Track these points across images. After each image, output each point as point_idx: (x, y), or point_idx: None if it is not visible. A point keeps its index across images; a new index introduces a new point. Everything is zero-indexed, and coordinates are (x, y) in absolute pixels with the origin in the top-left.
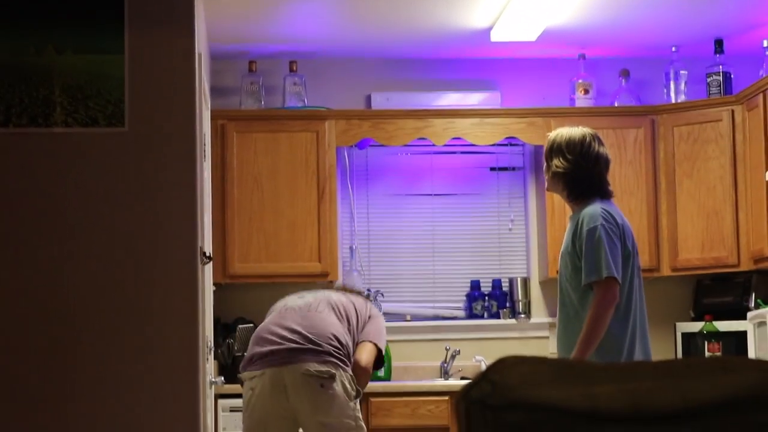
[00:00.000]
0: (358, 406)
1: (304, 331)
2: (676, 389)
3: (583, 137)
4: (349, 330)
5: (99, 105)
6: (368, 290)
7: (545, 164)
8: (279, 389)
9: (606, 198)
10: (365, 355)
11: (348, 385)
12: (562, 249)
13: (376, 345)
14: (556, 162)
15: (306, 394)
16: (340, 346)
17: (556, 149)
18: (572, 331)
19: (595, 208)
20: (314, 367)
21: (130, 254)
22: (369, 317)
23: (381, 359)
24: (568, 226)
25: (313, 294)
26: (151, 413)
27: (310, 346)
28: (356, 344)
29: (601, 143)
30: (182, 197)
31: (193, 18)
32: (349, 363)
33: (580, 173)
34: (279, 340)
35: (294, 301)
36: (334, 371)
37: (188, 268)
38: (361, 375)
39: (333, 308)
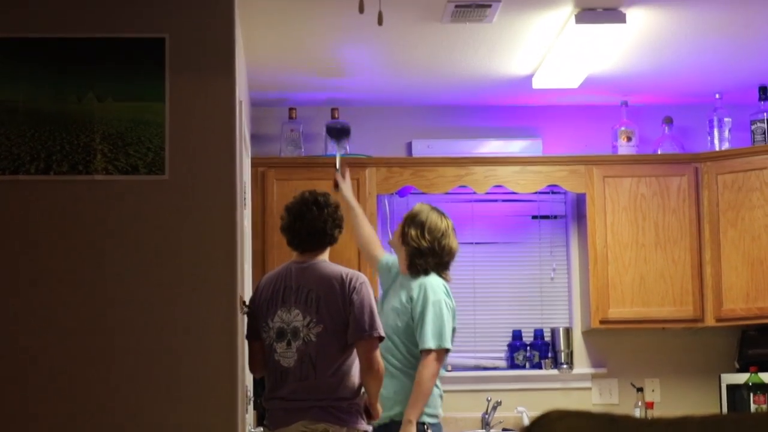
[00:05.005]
0: None
1: None
2: None
3: (446, 228)
4: None
5: (139, 152)
6: None
7: (402, 225)
8: None
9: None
10: None
11: None
12: (394, 304)
13: None
14: (413, 233)
15: None
16: None
17: (418, 223)
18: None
19: (438, 281)
20: None
21: (169, 302)
22: None
23: None
24: (397, 285)
25: None
26: None
27: None
28: None
29: (454, 237)
30: (222, 245)
31: (233, 65)
32: None
33: (427, 253)
34: None
35: None
36: None
37: (227, 316)
38: None
39: None
